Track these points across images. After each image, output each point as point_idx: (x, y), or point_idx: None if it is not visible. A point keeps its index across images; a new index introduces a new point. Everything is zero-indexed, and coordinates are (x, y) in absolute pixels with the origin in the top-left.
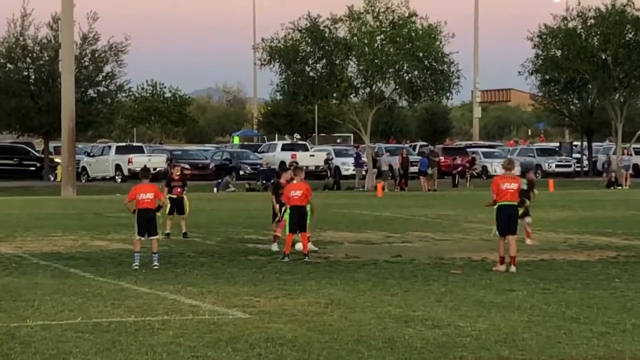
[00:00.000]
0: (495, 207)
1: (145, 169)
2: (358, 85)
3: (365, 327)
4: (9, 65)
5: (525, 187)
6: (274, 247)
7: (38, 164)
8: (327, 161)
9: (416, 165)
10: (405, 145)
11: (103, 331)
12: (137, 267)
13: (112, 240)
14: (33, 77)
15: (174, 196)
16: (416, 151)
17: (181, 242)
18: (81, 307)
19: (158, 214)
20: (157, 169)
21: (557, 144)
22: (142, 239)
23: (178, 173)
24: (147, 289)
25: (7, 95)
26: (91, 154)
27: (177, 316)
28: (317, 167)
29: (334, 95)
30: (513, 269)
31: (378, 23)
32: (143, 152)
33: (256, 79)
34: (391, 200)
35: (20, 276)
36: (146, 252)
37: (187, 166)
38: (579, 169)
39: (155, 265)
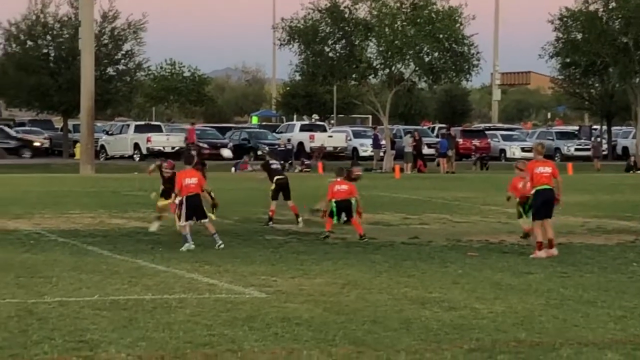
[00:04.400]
0: (533, 192)
1: (189, 155)
2: (377, 67)
3: (382, 308)
4: (29, 42)
5: None
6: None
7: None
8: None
9: (435, 147)
10: (424, 127)
11: (120, 308)
12: (192, 248)
13: (129, 218)
14: (53, 54)
15: None
16: (434, 133)
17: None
18: (99, 284)
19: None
20: (175, 148)
21: (577, 128)
22: (191, 223)
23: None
24: (164, 267)
25: (27, 72)
26: (110, 133)
27: (194, 294)
28: (335, 148)
29: (353, 76)
30: (555, 251)
31: (399, 4)
32: (161, 131)
33: (275, 59)
34: (408, 182)
35: (39, 253)
36: (163, 231)
37: (205, 145)
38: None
39: (220, 245)
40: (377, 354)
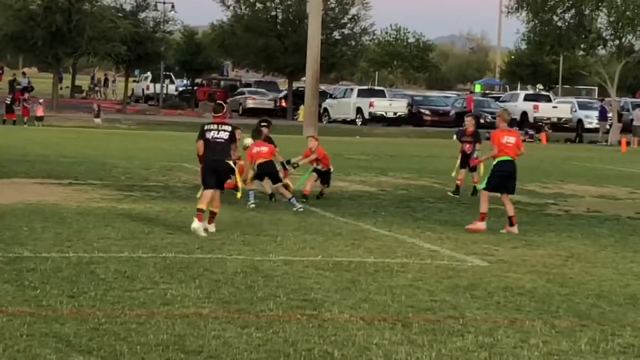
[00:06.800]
0: (495, 162)
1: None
2: (607, 37)
3: (606, 283)
4: (258, 4)
5: None
6: None
7: None
8: None
9: None
10: None
11: (343, 270)
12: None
13: (351, 181)
14: (280, 17)
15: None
16: None
17: (420, 187)
18: (322, 245)
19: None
20: (399, 114)
21: None
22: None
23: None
24: (386, 232)
25: (255, 34)
26: (333, 96)
27: (416, 260)
28: (559, 119)
29: (581, 46)
30: (516, 229)
31: None
32: (384, 96)
33: (501, 27)
34: (636, 155)
35: (264, 212)
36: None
37: (427, 112)
38: None
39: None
40: (602, 328)
